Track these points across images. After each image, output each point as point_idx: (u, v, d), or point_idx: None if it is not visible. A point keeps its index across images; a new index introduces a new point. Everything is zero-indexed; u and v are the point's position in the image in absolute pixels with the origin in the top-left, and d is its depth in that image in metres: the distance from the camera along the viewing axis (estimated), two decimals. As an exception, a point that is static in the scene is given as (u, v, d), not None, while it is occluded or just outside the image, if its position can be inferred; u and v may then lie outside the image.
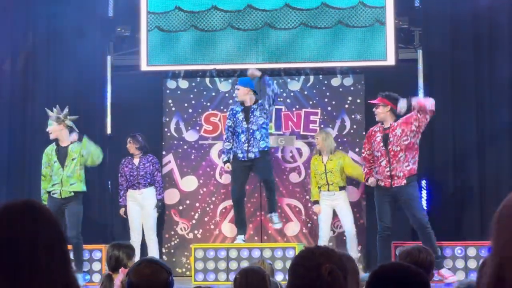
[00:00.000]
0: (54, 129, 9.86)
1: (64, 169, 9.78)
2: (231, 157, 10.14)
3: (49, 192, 9.83)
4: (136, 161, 10.61)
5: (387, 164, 9.33)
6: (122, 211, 10.61)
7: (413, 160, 9.37)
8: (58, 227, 1.93)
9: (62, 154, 9.85)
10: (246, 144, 10.05)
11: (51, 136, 9.90)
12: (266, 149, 10.12)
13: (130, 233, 10.49)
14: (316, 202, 10.32)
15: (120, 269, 5.31)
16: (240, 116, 10.11)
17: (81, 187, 9.83)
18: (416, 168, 9.39)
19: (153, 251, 10.38)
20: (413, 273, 2.66)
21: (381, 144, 9.41)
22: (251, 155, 10.00)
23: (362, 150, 9.75)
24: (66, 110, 9.91)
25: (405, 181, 9.27)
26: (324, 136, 10.32)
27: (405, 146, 9.33)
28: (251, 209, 10.95)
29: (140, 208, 10.52)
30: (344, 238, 10.50)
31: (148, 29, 11.05)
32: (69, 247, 9.81)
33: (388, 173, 9.33)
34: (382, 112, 9.52)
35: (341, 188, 10.28)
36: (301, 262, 2.94)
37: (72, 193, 9.77)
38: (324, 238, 10.20)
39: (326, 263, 2.83)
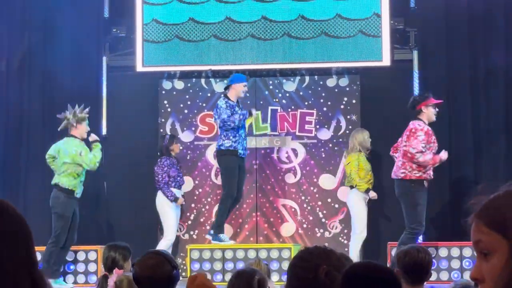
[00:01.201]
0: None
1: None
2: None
3: (72, 192, 9.72)
4: (175, 161, 10.54)
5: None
6: (180, 200, 10.37)
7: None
8: (24, 226, 1.92)
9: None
10: (245, 141, 10.08)
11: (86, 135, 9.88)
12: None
13: (168, 231, 10.29)
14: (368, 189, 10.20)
15: (114, 270, 5.31)
16: (239, 110, 10.08)
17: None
18: None
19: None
20: (384, 272, 2.66)
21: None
22: (245, 153, 10.06)
23: (419, 144, 9.33)
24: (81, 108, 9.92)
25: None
26: (354, 135, 10.27)
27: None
28: (247, 210, 10.95)
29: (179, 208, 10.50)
30: (340, 239, 10.52)
31: (144, 22, 11.02)
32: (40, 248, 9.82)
33: (432, 169, 9.41)
34: None
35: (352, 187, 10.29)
36: (299, 263, 2.95)
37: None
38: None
39: (323, 264, 2.83)
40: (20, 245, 1.86)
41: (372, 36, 10.74)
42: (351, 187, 10.13)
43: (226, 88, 10.17)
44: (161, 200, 10.32)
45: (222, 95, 10.18)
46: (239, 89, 10.07)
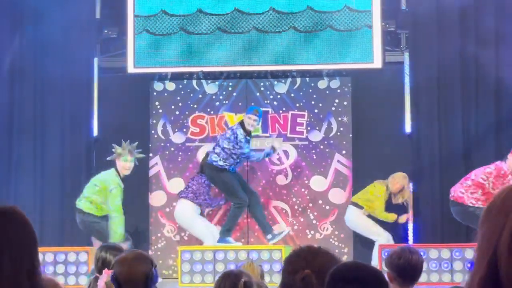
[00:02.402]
0: (132, 166, 10.16)
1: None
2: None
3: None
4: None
5: None
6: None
7: None
8: (29, 233, 1.92)
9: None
10: (235, 163, 10.32)
11: (127, 172, 10.16)
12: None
13: (204, 238, 10.53)
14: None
15: (104, 270, 5.29)
16: (244, 139, 10.22)
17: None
18: None
19: None
20: (371, 271, 2.67)
21: None
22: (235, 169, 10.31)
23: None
24: (135, 145, 10.26)
25: None
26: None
27: None
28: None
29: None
30: (331, 240, 10.55)
31: (136, 31, 11.04)
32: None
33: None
34: None
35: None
36: (285, 266, 2.97)
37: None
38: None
39: (305, 268, 2.83)
40: (24, 251, 1.86)
41: (363, 39, 10.75)
42: (359, 206, 10.27)
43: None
44: (186, 209, 10.52)
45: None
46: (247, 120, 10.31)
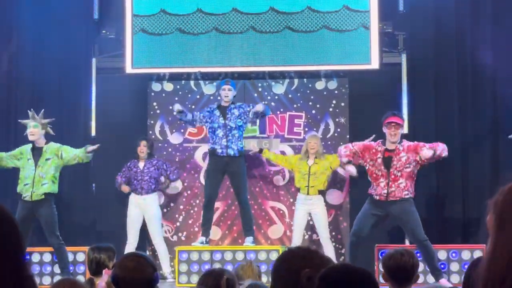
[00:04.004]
0: (37, 131, 9.89)
1: (37, 168, 9.80)
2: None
3: (20, 195, 9.87)
4: (141, 164, 10.60)
5: (386, 187, 9.22)
6: (124, 188, 10.62)
7: (412, 190, 9.27)
8: (16, 230, 1.93)
9: (36, 154, 9.88)
10: (225, 139, 10.09)
11: (33, 138, 9.93)
12: (242, 150, 10.20)
13: (128, 235, 10.52)
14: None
15: (104, 271, 5.30)
16: (217, 112, 10.15)
17: (52, 188, 9.85)
18: (413, 196, 9.34)
19: (163, 256, 10.56)
20: (361, 274, 2.67)
21: (382, 166, 9.28)
22: (230, 152, 10.06)
23: (352, 144, 9.56)
24: (42, 113, 9.98)
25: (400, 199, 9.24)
26: (319, 141, 10.35)
27: (406, 174, 9.20)
28: (235, 211, 10.95)
29: (141, 213, 10.54)
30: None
31: (133, 31, 11.05)
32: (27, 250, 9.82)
33: (385, 195, 9.21)
34: (399, 133, 9.30)
35: (320, 192, 10.29)
36: (282, 265, 2.95)
37: (43, 196, 9.79)
38: (297, 242, 10.19)
39: (306, 267, 2.83)
40: (11, 248, 1.87)
41: (360, 40, 10.77)
42: (320, 191, 10.26)
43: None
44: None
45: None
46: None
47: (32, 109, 10.06)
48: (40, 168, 9.83)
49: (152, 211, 10.56)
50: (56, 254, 9.92)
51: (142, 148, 10.58)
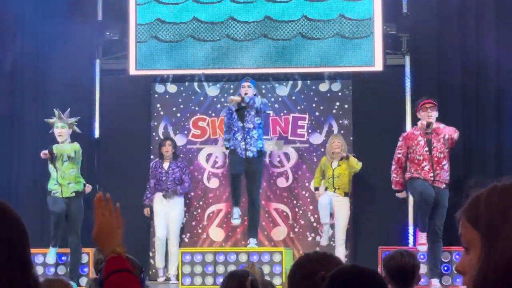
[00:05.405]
0: (65, 132, 10.00)
1: (60, 169, 9.90)
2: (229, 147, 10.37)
3: (50, 191, 9.93)
4: (166, 165, 10.61)
5: (430, 170, 9.44)
6: (146, 211, 10.65)
7: (449, 172, 9.57)
8: (21, 228, 1.93)
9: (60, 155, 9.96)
10: (243, 143, 10.12)
11: (61, 139, 10.00)
12: (262, 149, 10.23)
13: (156, 230, 10.59)
14: (317, 189, 10.38)
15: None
16: (235, 115, 10.20)
17: (78, 187, 9.96)
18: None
19: (173, 258, 10.52)
20: (369, 275, 2.68)
21: (425, 148, 9.46)
22: (249, 154, 10.12)
23: (397, 152, 9.67)
24: (68, 112, 10.08)
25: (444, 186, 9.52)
26: (343, 140, 10.36)
27: (447, 154, 9.50)
28: (239, 213, 10.95)
29: (167, 211, 10.56)
30: (331, 243, 10.56)
31: (143, 39, 11.05)
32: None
33: (432, 178, 9.43)
34: (434, 115, 9.56)
35: (346, 194, 10.29)
36: (298, 270, 2.96)
37: (74, 193, 9.88)
38: (326, 221, 10.18)
39: (322, 270, 2.84)
40: (16, 247, 1.87)
41: (364, 42, 10.78)
42: (346, 194, 10.24)
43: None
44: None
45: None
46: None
47: (57, 108, 10.10)
48: (63, 168, 9.93)
49: (175, 213, 10.57)
50: (71, 253, 9.93)
51: (167, 148, 10.60)
